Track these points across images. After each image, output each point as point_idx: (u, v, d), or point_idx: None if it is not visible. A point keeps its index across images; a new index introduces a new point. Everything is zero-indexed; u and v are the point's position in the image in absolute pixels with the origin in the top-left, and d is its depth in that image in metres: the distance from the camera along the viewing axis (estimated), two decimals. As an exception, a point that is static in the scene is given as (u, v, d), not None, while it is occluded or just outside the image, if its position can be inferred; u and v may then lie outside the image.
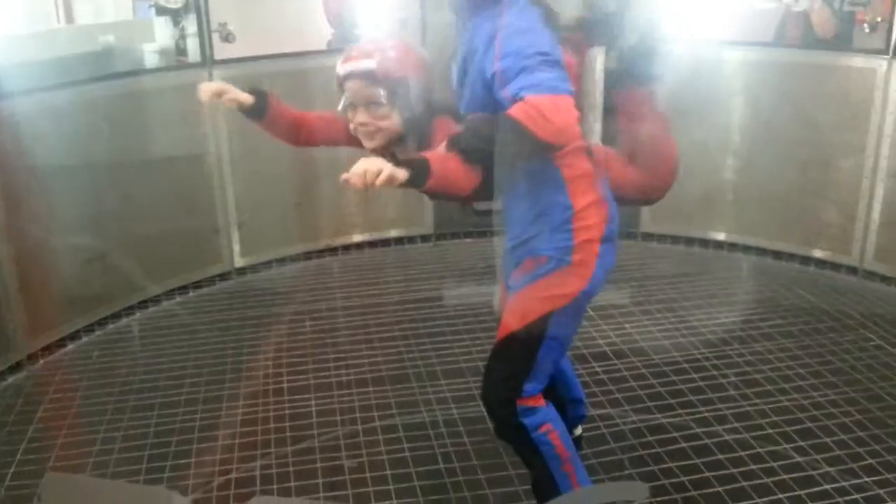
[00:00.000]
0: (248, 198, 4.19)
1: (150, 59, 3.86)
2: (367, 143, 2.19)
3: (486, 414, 2.31)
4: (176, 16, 3.76)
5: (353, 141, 2.26)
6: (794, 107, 4.15)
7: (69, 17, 4.53)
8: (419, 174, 1.85)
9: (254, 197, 4.21)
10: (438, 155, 1.93)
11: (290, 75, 4.13)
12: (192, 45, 3.82)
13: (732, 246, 4.48)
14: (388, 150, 2.18)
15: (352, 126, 2.20)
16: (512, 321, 2.14)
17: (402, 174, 1.80)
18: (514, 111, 1.83)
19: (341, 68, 2.16)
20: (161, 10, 3.74)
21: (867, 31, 3.91)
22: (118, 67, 3.68)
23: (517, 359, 2.14)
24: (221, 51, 3.99)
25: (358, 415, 3.04)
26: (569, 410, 2.55)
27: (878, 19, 3.87)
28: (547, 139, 1.84)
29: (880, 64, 3.84)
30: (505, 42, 1.92)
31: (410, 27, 4.41)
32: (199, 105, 3.76)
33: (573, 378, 2.60)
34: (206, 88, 2.26)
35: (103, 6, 4.25)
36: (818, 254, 4.25)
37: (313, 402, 3.13)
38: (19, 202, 3.29)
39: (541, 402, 2.18)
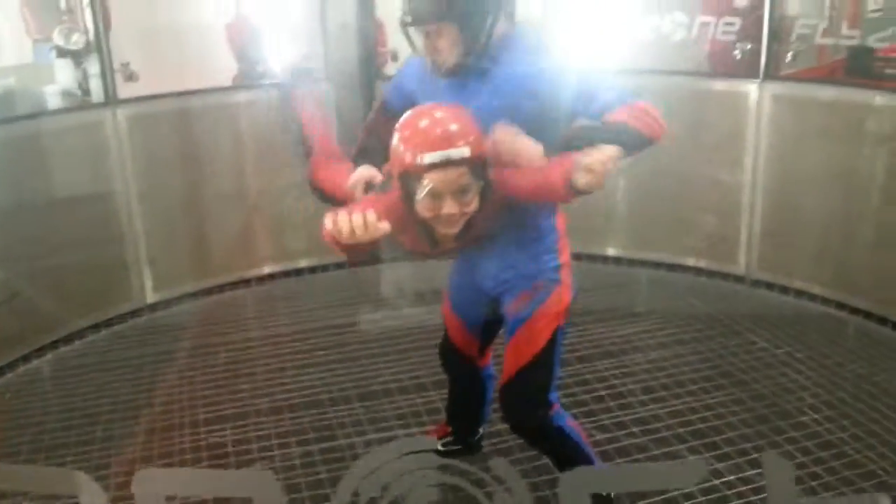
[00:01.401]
0: (158, 233, 4.22)
1: (53, 101, 3.88)
2: (446, 230, 2.06)
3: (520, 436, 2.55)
4: (77, 57, 3.80)
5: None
6: (679, 129, 4.41)
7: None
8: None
9: (163, 232, 4.24)
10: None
11: (195, 112, 4.22)
12: (95, 84, 3.85)
13: (630, 261, 4.73)
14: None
15: (429, 214, 2.00)
16: (530, 348, 2.32)
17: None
18: (628, 118, 2.02)
19: (425, 157, 1.93)
20: (62, 52, 3.76)
21: (738, 57, 4.22)
22: (19, 110, 3.68)
23: (542, 377, 2.35)
24: (125, 89, 4.05)
25: (274, 441, 3.12)
26: (485, 412, 2.85)
27: (748, 46, 4.18)
28: (656, 139, 2.06)
29: (753, 88, 4.15)
30: (579, 77, 2.13)
31: (314, 62, 4.53)
32: (105, 143, 3.87)
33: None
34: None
35: (2, 49, 4.23)
36: (708, 265, 4.53)
37: (229, 432, 3.19)
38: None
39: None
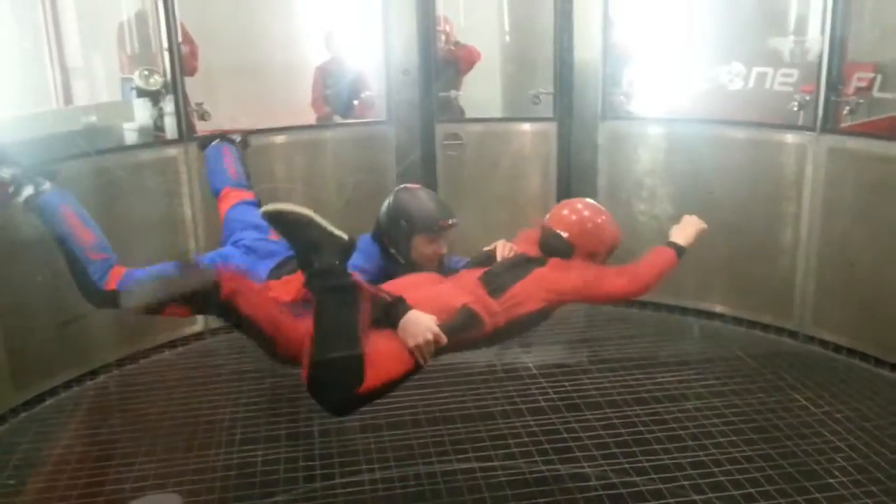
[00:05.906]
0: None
1: (130, 137, 4.20)
2: None
3: None
4: (155, 97, 4.11)
5: None
6: (734, 179, 4.39)
7: (67, 98, 4.90)
8: None
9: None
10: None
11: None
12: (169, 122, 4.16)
13: (684, 310, 4.69)
14: None
15: None
16: None
17: None
18: None
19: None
20: (141, 92, 4.09)
21: (795, 109, 4.17)
22: (99, 144, 4.00)
23: None
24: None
25: (300, 464, 3.27)
26: None
27: (807, 98, 4.13)
28: None
29: (809, 139, 4.10)
30: None
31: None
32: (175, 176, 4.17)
33: None
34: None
35: (97, 87, 4.62)
36: (764, 318, 4.45)
37: (260, 453, 3.36)
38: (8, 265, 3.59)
39: None
